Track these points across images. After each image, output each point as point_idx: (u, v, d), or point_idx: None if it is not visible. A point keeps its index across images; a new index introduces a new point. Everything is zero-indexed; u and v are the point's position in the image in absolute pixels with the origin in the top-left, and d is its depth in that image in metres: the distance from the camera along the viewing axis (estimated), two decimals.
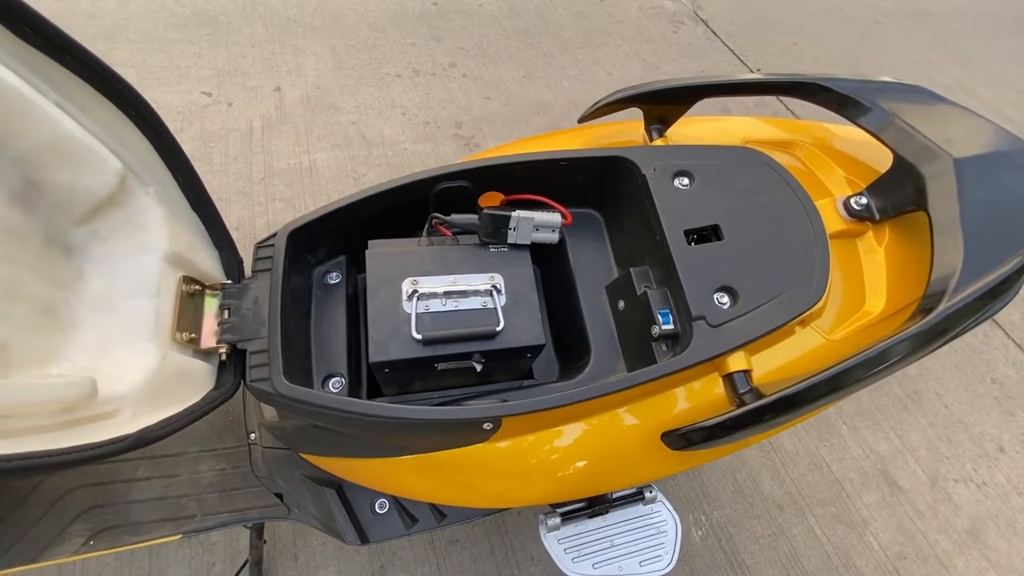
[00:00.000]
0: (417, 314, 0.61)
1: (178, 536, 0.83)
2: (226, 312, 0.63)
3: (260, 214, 1.72)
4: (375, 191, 0.69)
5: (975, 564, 1.32)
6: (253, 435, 0.89)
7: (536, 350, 0.64)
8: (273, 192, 1.77)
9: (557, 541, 0.82)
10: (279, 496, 0.85)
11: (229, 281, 0.66)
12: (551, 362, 0.77)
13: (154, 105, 0.58)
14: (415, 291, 0.62)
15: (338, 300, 0.73)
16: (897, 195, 0.60)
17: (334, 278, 0.74)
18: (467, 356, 0.63)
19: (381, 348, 0.59)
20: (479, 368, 0.65)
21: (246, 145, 1.89)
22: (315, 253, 0.74)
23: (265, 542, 1.05)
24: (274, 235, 0.66)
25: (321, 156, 1.88)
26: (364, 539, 0.78)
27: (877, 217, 0.62)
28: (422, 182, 0.69)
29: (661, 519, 0.86)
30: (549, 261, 0.81)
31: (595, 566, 0.81)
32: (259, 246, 0.67)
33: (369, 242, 0.68)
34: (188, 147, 1.89)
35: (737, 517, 1.32)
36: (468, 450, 0.62)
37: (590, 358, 0.69)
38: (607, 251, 0.76)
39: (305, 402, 0.57)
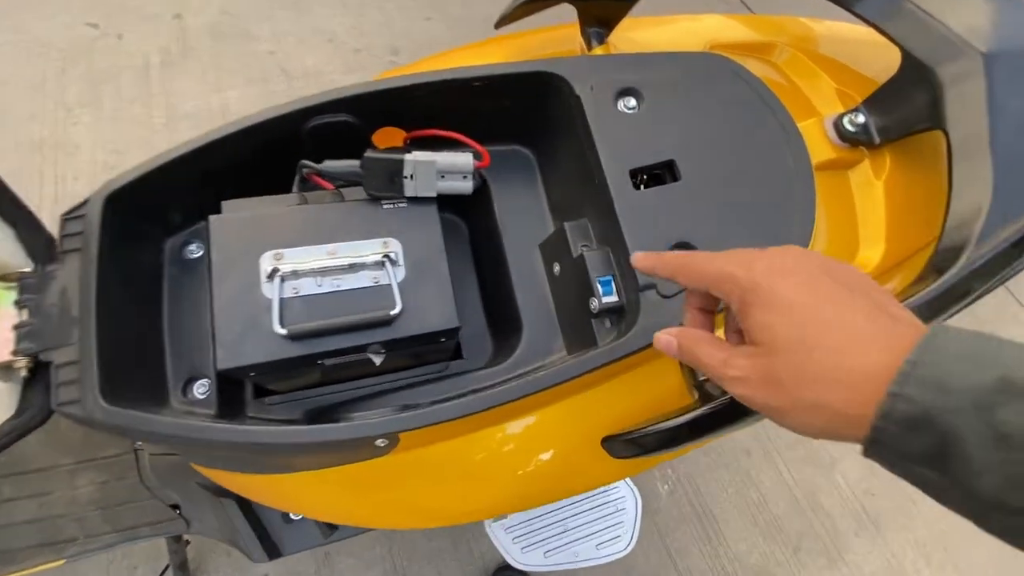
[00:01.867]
0: (282, 300, 0.46)
1: (61, 562, 0.71)
2: (25, 312, 0.47)
3: None
4: (223, 133, 0.52)
5: None
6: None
7: (450, 334, 0.50)
8: (179, 139, 1.51)
9: (503, 530, 0.74)
10: (176, 508, 0.72)
11: (27, 269, 0.49)
12: (483, 335, 0.64)
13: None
14: (277, 269, 0.46)
15: (202, 279, 0.56)
16: (904, 109, 0.46)
17: (195, 251, 0.58)
18: (360, 349, 0.48)
19: (232, 350, 0.45)
20: (378, 362, 0.51)
21: (143, 85, 1.61)
22: (161, 220, 0.57)
23: (188, 542, 0.95)
24: (86, 201, 0.49)
25: (234, 94, 1.62)
26: (275, 553, 0.67)
27: (877, 140, 0.48)
28: (286, 118, 0.52)
29: (619, 495, 0.78)
30: (471, 213, 0.65)
31: (547, 555, 0.73)
32: (66, 218, 0.49)
33: (222, 205, 0.51)
34: (73, 90, 1.60)
35: (704, 467, 1.27)
36: (368, 465, 0.49)
37: (521, 336, 0.55)
38: (541, 198, 0.60)
39: (132, 429, 0.43)
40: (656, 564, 1.12)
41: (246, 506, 0.68)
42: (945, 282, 0.37)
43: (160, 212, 0.55)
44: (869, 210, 0.49)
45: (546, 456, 0.49)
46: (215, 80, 1.63)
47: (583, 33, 0.56)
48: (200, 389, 0.54)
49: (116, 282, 0.49)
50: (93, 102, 1.58)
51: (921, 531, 1.28)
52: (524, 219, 0.59)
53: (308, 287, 0.47)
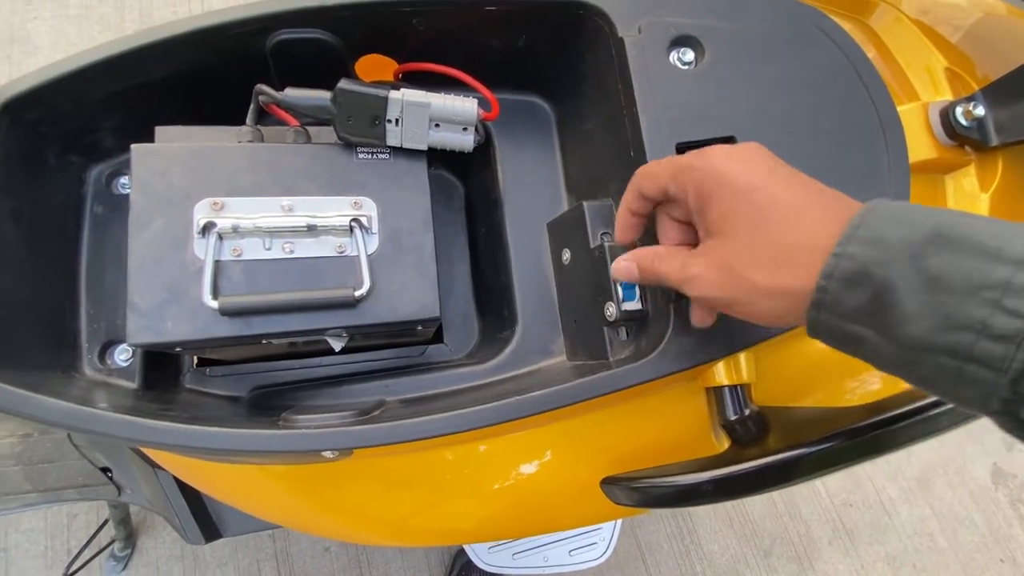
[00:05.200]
0: (218, 263, 0.36)
1: None
2: None
3: None
4: (161, 35, 0.40)
5: (918, 512, 1.29)
6: None
7: (428, 323, 0.41)
8: None
9: None
10: (106, 471, 0.64)
11: None
12: (470, 318, 0.54)
13: None
14: (213, 223, 0.36)
15: None
16: None
17: (128, 185, 0.47)
18: (314, 333, 0.39)
19: (146, 322, 0.35)
20: (338, 347, 0.42)
21: None
22: (84, 143, 0.45)
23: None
24: None
25: (217, 3, 1.44)
26: (213, 534, 0.59)
27: (993, 141, 0.38)
28: (243, 23, 0.40)
29: None
30: (469, 174, 0.55)
31: (515, 556, 0.67)
32: None
33: (156, 130, 0.40)
34: None
35: None
36: (317, 468, 0.41)
37: (515, 332, 0.46)
38: (556, 166, 0.50)
39: (16, 410, 0.34)
40: (624, 557, 1.08)
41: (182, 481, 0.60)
42: None
43: (80, 132, 0.44)
44: None
45: (531, 484, 0.40)
46: None
47: None
48: (122, 356, 0.44)
49: (12, 216, 0.39)
50: None
51: (893, 545, 1.26)
52: (533, 189, 0.49)
53: (252, 250, 0.37)
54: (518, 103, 0.50)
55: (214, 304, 0.35)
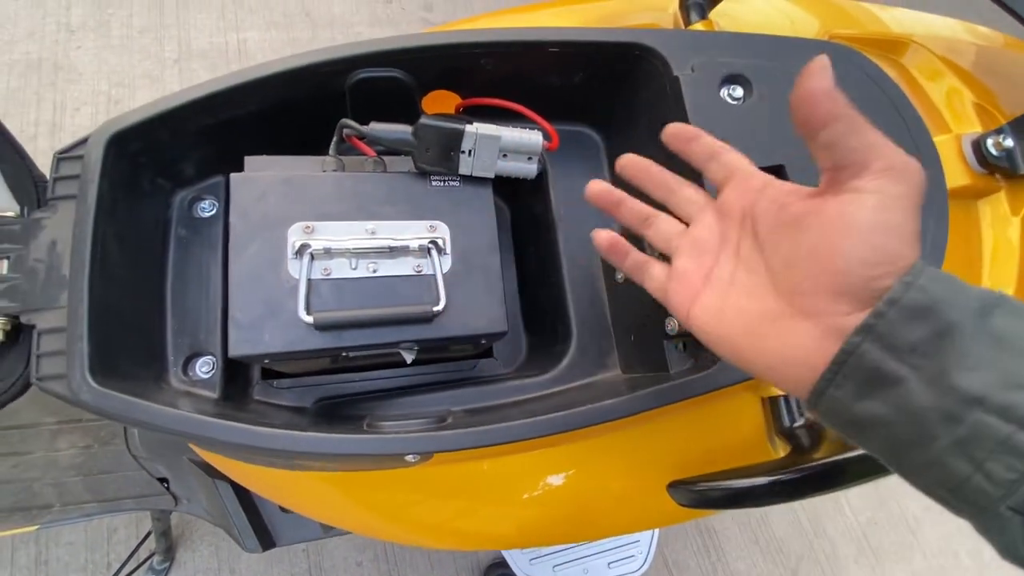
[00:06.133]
0: (311, 281, 0.39)
1: (34, 527, 0.66)
2: (4, 264, 0.40)
3: None
4: (255, 75, 0.44)
5: (942, 529, 1.29)
6: None
7: (494, 337, 0.44)
8: (190, 77, 1.43)
9: None
10: (163, 482, 0.66)
11: (10, 214, 0.42)
12: (518, 334, 0.57)
13: None
14: (307, 245, 0.40)
15: (213, 242, 0.50)
16: None
17: (207, 209, 0.51)
18: (391, 346, 0.42)
19: (247, 335, 0.38)
20: (410, 359, 0.45)
21: (156, 15, 1.50)
22: (173, 170, 0.49)
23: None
24: (84, 140, 0.42)
25: (253, 36, 1.51)
26: (268, 543, 0.61)
27: (1022, 169, 0.41)
28: (329, 64, 0.44)
29: None
30: (520, 199, 0.58)
31: (555, 568, 0.69)
32: (61, 157, 0.42)
33: (246, 160, 0.44)
34: (77, 11, 1.49)
35: None
36: (395, 474, 0.44)
37: (570, 346, 0.49)
38: None
39: (124, 416, 0.37)
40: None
41: (241, 490, 0.63)
42: None
43: (171, 161, 0.48)
44: (1001, 249, 0.43)
45: (591, 490, 0.43)
46: (234, 18, 1.52)
47: (681, 5, 0.48)
48: (203, 368, 0.47)
49: (114, 238, 0.43)
50: (99, 27, 1.47)
51: (919, 563, 1.26)
52: (584, 213, 0.52)
53: (340, 269, 0.40)
54: (569, 132, 0.54)
55: (309, 319, 0.38)
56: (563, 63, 0.46)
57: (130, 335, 0.43)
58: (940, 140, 0.42)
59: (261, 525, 0.63)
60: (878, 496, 1.30)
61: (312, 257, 0.40)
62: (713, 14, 0.48)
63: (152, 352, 0.46)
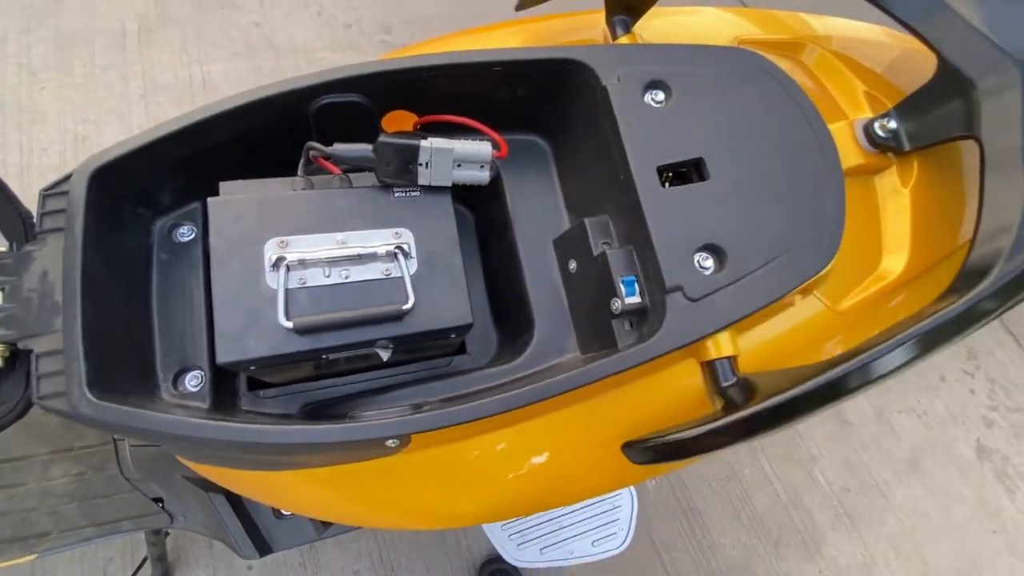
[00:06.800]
0: (288, 291, 0.43)
1: (32, 556, 0.67)
2: None
3: None
4: (224, 107, 0.48)
5: (912, 492, 1.36)
6: None
7: (462, 330, 0.48)
8: (157, 112, 1.45)
9: (500, 527, 0.73)
10: (158, 501, 0.69)
11: (2, 249, 0.45)
12: (488, 330, 0.62)
13: None
14: (282, 258, 0.44)
15: (194, 264, 0.53)
16: (937, 117, 0.46)
17: (186, 234, 0.54)
18: (367, 344, 0.46)
19: (234, 343, 0.42)
20: (386, 357, 0.49)
21: (118, 52, 1.52)
22: (151, 200, 0.53)
23: (167, 533, 0.91)
24: (68, 177, 0.45)
25: (217, 68, 1.55)
26: (265, 549, 0.64)
27: (907, 147, 0.48)
28: (293, 94, 0.48)
29: (615, 493, 0.78)
30: (479, 204, 0.63)
31: (543, 551, 0.73)
32: (46, 194, 0.45)
33: (220, 185, 0.48)
34: (38, 51, 1.50)
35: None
36: (378, 463, 0.47)
37: (533, 335, 0.54)
38: (556, 192, 0.58)
39: (123, 425, 0.40)
40: (642, 557, 1.13)
41: (235, 500, 0.65)
42: (974, 297, 0.36)
43: (149, 192, 0.52)
44: (894, 217, 0.49)
45: (560, 459, 0.47)
46: (197, 51, 1.55)
47: (608, 21, 0.54)
48: (192, 381, 0.51)
49: (101, 265, 0.46)
50: (61, 66, 1.48)
51: (892, 526, 1.32)
52: (537, 213, 0.57)
53: (315, 278, 0.44)
54: (519, 141, 0.59)
55: (289, 324, 0.42)
56: (507, 80, 0.51)
57: (122, 353, 0.47)
58: (837, 127, 0.49)
59: (256, 533, 0.65)
60: (849, 466, 1.37)
61: (288, 268, 0.44)
62: (636, 28, 0.54)
63: (143, 369, 0.49)
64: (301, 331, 0.42)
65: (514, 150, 0.58)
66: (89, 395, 0.40)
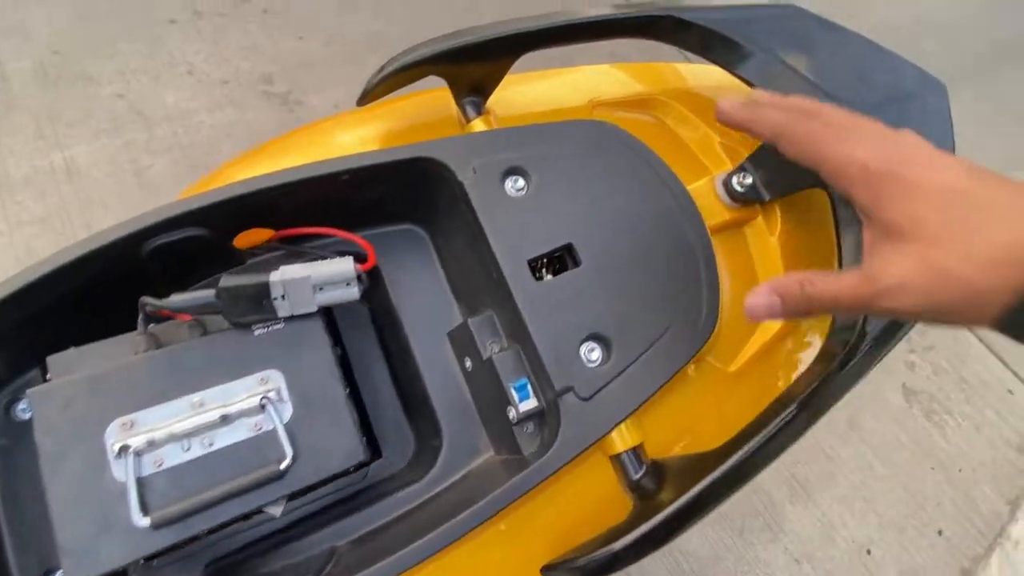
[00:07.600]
0: (141, 479, 0.38)
1: None
2: None
3: (4, 248, 1.26)
4: (42, 271, 0.42)
5: (855, 449, 1.44)
6: None
7: (359, 467, 0.44)
8: (17, 213, 1.30)
9: None
10: None
11: None
12: (401, 425, 0.58)
13: None
14: (127, 445, 0.38)
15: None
16: (786, 169, 0.46)
17: (28, 410, 0.47)
18: (251, 515, 0.41)
19: (82, 559, 0.36)
20: (278, 513, 0.44)
21: None
22: None
23: None
24: None
25: (81, 150, 1.41)
26: None
27: (766, 197, 0.48)
28: (116, 246, 0.42)
29: None
30: (368, 301, 0.59)
31: None
32: None
33: (48, 360, 0.42)
34: None
35: None
36: None
37: (442, 440, 0.50)
38: (441, 281, 0.55)
39: None
40: None
41: None
42: (846, 357, 0.37)
43: None
44: (767, 266, 0.49)
45: None
46: (53, 135, 1.41)
47: (458, 103, 0.51)
48: None
49: None
50: None
51: (842, 487, 1.40)
52: (427, 304, 0.54)
53: (173, 456, 0.39)
54: (394, 232, 0.55)
55: (145, 522, 0.37)
56: (360, 184, 0.48)
57: None
58: (698, 185, 0.49)
59: None
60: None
61: (136, 454, 0.38)
62: (491, 104, 0.51)
63: None
64: (162, 525, 0.37)
65: (391, 242, 0.55)
66: None
